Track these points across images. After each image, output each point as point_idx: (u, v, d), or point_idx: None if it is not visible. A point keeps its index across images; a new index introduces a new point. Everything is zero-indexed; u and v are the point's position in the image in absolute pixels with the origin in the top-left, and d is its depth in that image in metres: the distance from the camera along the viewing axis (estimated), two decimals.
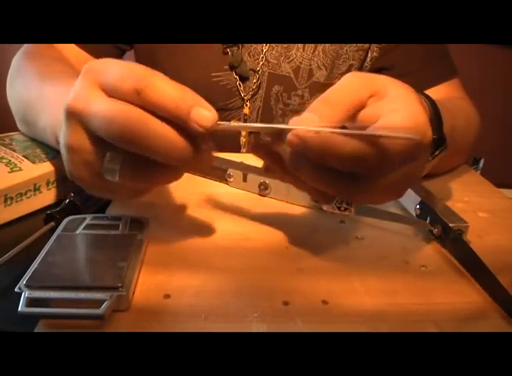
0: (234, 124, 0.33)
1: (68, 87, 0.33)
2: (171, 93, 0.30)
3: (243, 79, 0.68)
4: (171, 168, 0.32)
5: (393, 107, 0.32)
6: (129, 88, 0.30)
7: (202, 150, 0.32)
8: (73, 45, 0.64)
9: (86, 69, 0.32)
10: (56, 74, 0.52)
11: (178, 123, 0.30)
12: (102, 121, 0.30)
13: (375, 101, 0.33)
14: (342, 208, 0.37)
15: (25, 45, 0.64)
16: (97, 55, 0.67)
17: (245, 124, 0.33)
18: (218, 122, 0.31)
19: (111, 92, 0.31)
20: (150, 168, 0.32)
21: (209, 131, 0.30)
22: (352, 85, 0.34)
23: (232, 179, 0.53)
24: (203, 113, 0.30)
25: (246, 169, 0.52)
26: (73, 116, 0.31)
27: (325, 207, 0.38)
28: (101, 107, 0.30)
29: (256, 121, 0.69)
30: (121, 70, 0.31)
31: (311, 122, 0.30)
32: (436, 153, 0.41)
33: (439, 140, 0.41)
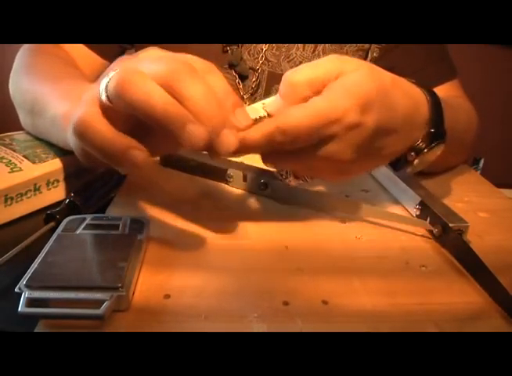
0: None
1: (83, 82, 0.34)
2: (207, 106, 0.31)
3: (243, 78, 0.68)
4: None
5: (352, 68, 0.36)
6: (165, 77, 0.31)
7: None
8: (80, 45, 0.65)
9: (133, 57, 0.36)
10: (68, 71, 0.54)
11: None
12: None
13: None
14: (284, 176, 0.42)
15: (22, 50, 0.64)
16: (101, 53, 0.67)
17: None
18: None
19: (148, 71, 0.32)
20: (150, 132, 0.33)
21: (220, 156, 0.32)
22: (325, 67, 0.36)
23: (232, 179, 0.53)
24: (229, 142, 0.32)
25: (246, 169, 0.52)
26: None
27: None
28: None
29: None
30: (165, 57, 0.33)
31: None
32: (432, 145, 0.41)
33: (437, 134, 0.41)
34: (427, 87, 0.43)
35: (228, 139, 0.32)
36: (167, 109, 0.30)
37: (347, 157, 0.37)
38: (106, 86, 0.32)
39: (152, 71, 0.31)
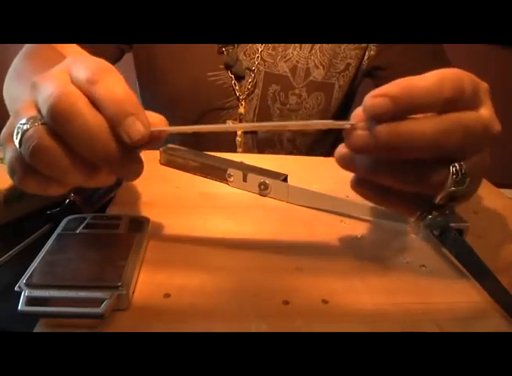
0: (169, 127, 0.33)
1: None
2: (117, 95, 0.30)
3: (239, 78, 0.68)
4: (95, 168, 0.31)
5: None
6: (84, 78, 0.30)
7: (130, 159, 0.31)
8: (74, 46, 0.64)
9: (66, 60, 0.33)
10: None
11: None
12: (47, 91, 0.30)
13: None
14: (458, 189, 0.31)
15: (25, 46, 0.64)
16: (98, 55, 0.67)
17: (184, 127, 0.33)
18: (153, 129, 0.31)
19: (72, 79, 0.31)
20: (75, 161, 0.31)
21: (135, 143, 0.30)
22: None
23: (232, 179, 0.53)
24: (137, 126, 0.30)
25: (246, 169, 0.52)
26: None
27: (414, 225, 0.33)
28: (53, 84, 0.30)
29: (253, 121, 0.69)
30: (87, 61, 0.31)
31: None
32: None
33: None
34: None
35: (135, 124, 0.30)
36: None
37: (456, 141, 0.30)
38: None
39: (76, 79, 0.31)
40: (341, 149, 0.32)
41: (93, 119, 0.29)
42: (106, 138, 0.30)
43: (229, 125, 0.30)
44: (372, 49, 0.68)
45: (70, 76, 0.31)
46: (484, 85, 0.33)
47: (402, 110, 0.29)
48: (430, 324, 0.33)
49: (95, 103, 0.30)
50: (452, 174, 0.31)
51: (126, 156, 0.30)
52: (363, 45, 0.68)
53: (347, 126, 0.30)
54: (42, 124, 0.30)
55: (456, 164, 0.31)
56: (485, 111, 0.32)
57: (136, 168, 0.32)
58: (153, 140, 0.31)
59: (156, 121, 0.32)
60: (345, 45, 0.68)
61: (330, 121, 0.30)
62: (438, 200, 0.32)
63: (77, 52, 0.64)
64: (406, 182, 0.31)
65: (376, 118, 0.29)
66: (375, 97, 0.29)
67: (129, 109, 0.30)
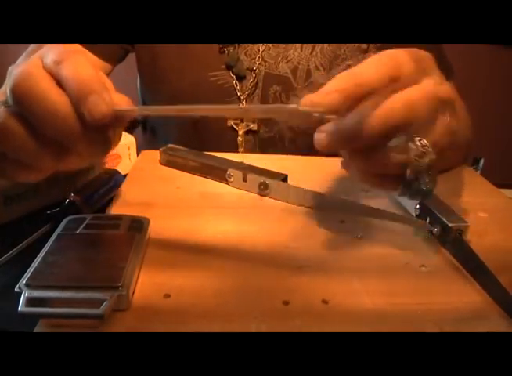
0: (133, 108, 0.33)
1: None
2: (80, 74, 0.30)
3: (240, 78, 0.68)
4: (62, 150, 0.31)
5: None
6: (51, 58, 0.31)
7: (96, 139, 0.31)
8: (77, 46, 0.64)
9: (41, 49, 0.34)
10: None
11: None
12: (13, 75, 0.30)
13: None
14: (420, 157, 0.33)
15: (30, 46, 0.64)
16: (102, 54, 0.67)
17: (149, 107, 0.34)
18: (117, 108, 0.31)
19: (43, 64, 0.31)
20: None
21: (97, 122, 0.30)
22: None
23: (232, 179, 0.53)
24: (99, 105, 0.30)
25: (246, 169, 0.52)
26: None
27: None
28: (21, 68, 0.31)
29: (254, 121, 0.69)
30: (57, 46, 0.32)
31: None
32: None
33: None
34: None
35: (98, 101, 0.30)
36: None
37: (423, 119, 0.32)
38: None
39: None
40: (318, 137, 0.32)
41: (56, 98, 0.30)
42: (70, 116, 0.30)
43: (197, 106, 0.31)
44: (372, 51, 0.68)
45: (42, 62, 0.32)
46: (427, 55, 0.33)
47: (353, 99, 0.30)
48: (431, 324, 0.33)
49: (61, 83, 0.30)
50: (410, 149, 0.32)
51: (92, 135, 0.31)
52: (363, 46, 0.68)
53: (316, 115, 0.30)
54: (7, 107, 0.30)
55: (415, 139, 0.32)
56: (428, 81, 0.32)
57: (103, 147, 0.32)
58: (117, 121, 0.31)
59: (120, 102, 0.32)
60: (345, 46, 0.68)
61: (295, 106, 0.30)
62: (408, 176, 0.33)
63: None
64: (376, 165, 0.33)
65: (334, 113, 0.30)
66: (327, 94, 0.30)
67: (92, 87, 0.30)
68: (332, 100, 0.30)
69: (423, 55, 0.34)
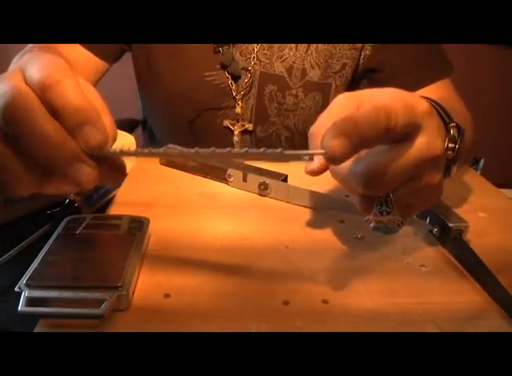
0: (126, 149, 0.31)
1: None
2: (73, 102, 0.29)
3: (235, 78, 0.68)
4: (47, 174, 0.30)
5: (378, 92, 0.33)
6: (37, 79, 0.29)
7: (83, 164, 0.30)
8: (76, 45, 0.64)
9: (21, 60, 0.32)
10: None
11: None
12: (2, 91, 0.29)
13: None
14: (384, 213, 0.33)
15: (27, 46, 0.64)
16: (100, 53, 0.67)
17: (139, 150, 0.32)
18: (110, 150, 0.30)
19: (26, 79, 0.30)
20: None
21: (92, 151, 0.29)
22: (339, 104, 0.34)
23: (232, 179, 0.53)
24: (94, 134, 0.29)
25: (246, 169, 0.52)
26: None
27: (370, 220, 0.34)
28: (6, 84, 0.29)
29: (250, 121, 0.70)
30: (41, 62, 0.30)
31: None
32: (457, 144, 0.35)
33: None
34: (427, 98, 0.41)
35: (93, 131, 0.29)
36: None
37: (437, 151, 0.32)
38: None
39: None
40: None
41: (48, 127, 0.28)
42: (61, 144, 0.29)
43: (193, 150, 0.28)
44: (367, 49, 0.68)
45: (24, 76, 0.30)
46: (422, 107, 0.32)
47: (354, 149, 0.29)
48: (430, 324, 0.33)
49: (49, 108, 0.29)
50: (376, 205, 0.33)
51: (79, 160, 0.29)
52: (358, 45, 0.68)
53: (320, 153, 0.29)
54: None
55: (383, 198, 0.32)
56: (421, 140, 0.32)
57: (89, 173, 0.30)
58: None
59: (110, 127, 0.30)
60: (340, 45, 0.68)
61: (304, 151, 0.29)
62: (367, 220, 0.33)
63: (79, 52, 0.64)
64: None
65: (339, 160, 0.29)
66: (332, 139, 0.28)
67: (86, 117, 0.29)
68: (338, 148, 0.29)
69: (420, 106, 0.32)
